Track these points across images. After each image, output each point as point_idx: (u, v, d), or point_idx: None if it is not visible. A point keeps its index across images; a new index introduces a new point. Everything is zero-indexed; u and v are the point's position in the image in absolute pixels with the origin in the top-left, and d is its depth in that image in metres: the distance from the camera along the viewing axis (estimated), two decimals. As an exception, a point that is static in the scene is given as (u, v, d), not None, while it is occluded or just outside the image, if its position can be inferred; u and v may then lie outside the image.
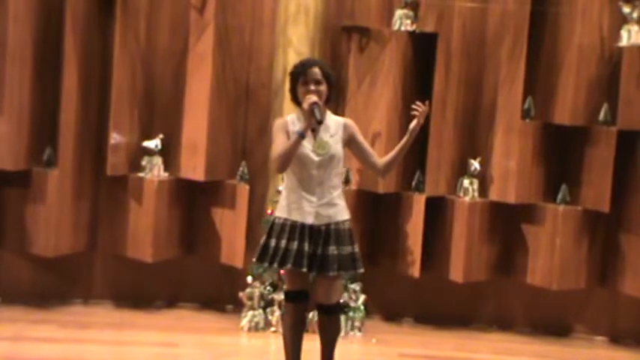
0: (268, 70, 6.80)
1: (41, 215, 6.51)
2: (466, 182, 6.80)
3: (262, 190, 6.80)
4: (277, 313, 6.47)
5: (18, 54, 6.36)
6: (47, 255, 6.56)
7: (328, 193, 4.86)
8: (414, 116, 4.92)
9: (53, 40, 6.48)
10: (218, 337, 6.40)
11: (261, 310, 6.51)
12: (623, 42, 6.61)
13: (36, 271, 6.76)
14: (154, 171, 6.71)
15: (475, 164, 6.77)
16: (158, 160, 6.72)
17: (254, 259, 5.02)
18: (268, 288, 6.54)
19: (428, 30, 6.74)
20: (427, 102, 4.99)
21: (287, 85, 6.44)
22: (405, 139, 4.94)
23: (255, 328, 6.50)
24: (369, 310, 6.76)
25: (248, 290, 6.55)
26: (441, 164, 6.78)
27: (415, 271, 6.76)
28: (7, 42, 6.32)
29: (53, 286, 6.81)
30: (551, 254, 6.67)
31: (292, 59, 6.60)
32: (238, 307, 6.66)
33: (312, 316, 5.97)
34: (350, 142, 4.94)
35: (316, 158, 4.83)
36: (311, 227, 4.82)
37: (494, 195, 6.80)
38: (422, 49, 6.78)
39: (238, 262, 6.69)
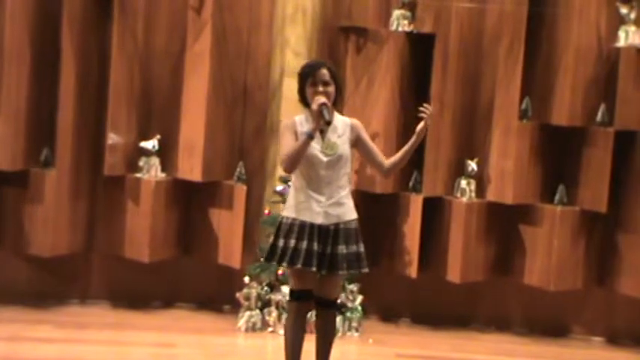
0: (266, 71, 6.81)
1: (38, 215, 6.51)
2: (463, 183, 6.80)
3: (259, 191, 6.80)
4: (274, 313, 6.48)
5: (15, 54, 6.36)
6: (44, 255, 6.56)
7: (336, 193, 4.89)
8: (420, 118, 4.93)
9: (50, 40, 6.48)
10: (215, 337, 6.40)
11: (258, 311, 6.51)
12: (621, 42, 6.62)
13: (33, 271, 6.76)
14: (152, 171, 6.70)
15: (472, 165, 6.77)
16: (155, 161, 6.72)
17: (262, 259, 5.03)
18: (265, 288, 6.54)
19: (425, 30, 6.74)
20: (434, 104, 5.02)
21: (284, 86, 6.47)
22: (412, 140, 4.96)
23: (252, 328, 6.50)
24: (367, 310, 6.76)
25: (245, 291, 6.55)
26: (439, 165, 6.78)
27: (412, 271, 6.76)
28: (5, 42, 6.32)
29: (50, 286, 6.81)
30: (548, 255, 6.67)
31: (290, 60, 6.64)
32: (235, 307, 6.66)
33: (310, 316, 5.96)
34: (357, 142, 4.98)
35: (325, 159, 4.85)
36: (320, 227, 4.85)
37: (491, 195, 6.80)
38: (419, 50, 6.78)
39: (235, 263, 6.69)
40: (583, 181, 6.69)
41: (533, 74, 6.72)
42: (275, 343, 6.28)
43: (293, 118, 4.97)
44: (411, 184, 6.82)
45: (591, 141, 6.64)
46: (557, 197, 6.74)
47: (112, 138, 6.60)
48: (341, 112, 5.11)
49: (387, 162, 5.01)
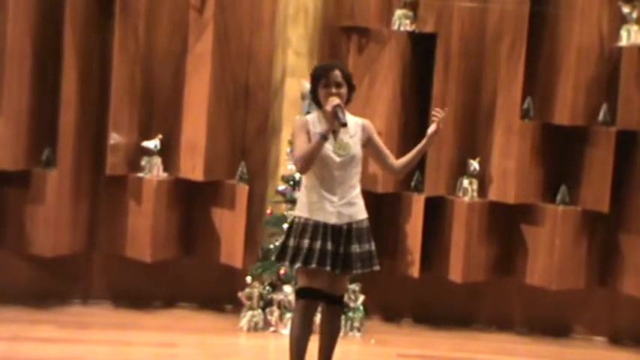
0: (267, 71, 6.81)
1: (40, 215, 6.51)
2: (465, 182, 6.80)
3: (261, 190, 6.80)
4: (276, 313, 6.48)
5: (17, 54, 6.36)
6: (46, 255, 6.56)
7: (348, 193, 4.92)
8: (432, 121, 4.97)
9: (52, 40, 6.48)
10: (217, 337, 6.39)
11: (260, 310, 6.51)
12: (623, 42, 6.61)
13: (35, 271, 6.76)
14: (153, 171, 6.70)
15: (474, 164, 6.77)
16: (157, 160, 6.72)
17: (273, 258, 5.04)
18: (267, 288, 6.53)
19: (427, 30, 6.74)
20: (446, 108, 5.12)
21: (286, 85, 6.48)
22: (423, 142, 5.00)
23: (254, 328, 6.50)
24: (368, 310, 6.75)
25: (247, 290, 6.55)
26: (441, 164, 6.78)
27: (414, 271, 6.76)
28: (7, 42, 6.32)
29: (52, 286, 6.81)
30: (550, 254, 6.67)
31: (291, 59, 6.65)
32: (237, 307, 6.65)
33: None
34: (368, 142, 5.01)
35: (338, 159, 4.87)
36: (333, 227, 4.87)
37: (493, 195, 6.80)
38: (421, 49, 6.78)
39: (237, 262, 6.69)
40: (585, 181, 6.68)
41: (535, 74, 6.72)
42: (277, 342, 6.29)
43: (305, 118, 5.01)
44: (413, 183, 6.82)
45: (593, 141, 6.64)
46: (559, 197, 6.74)
47: (114, 138, 6.60)
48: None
49: (397, 164, 5.07)
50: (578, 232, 6.70)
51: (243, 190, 6.71)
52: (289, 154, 6.53)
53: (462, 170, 6.84)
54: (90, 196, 6.73)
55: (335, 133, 4.87)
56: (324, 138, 4.78)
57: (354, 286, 6.56)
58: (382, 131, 6.65)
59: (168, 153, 6.75)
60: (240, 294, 6.56)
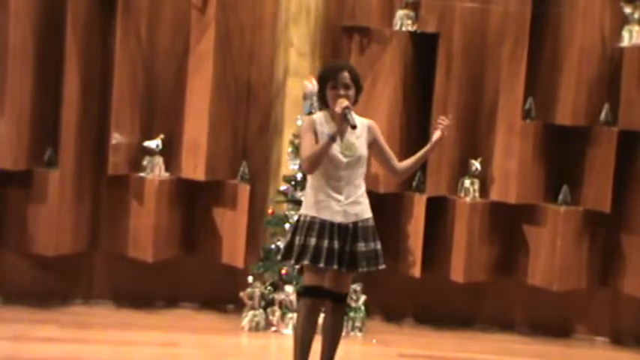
0: (269, 70, 6.81)
1: (42, 215, 6.51)
2: (467, 182, 6.80)
3: (263, 190, 6.80)
4: (278, 313, 6.48)
5: (19, 54, 6.36)
6: (48, 255, 6.56)
7: (354, 192, 4.95)
8: (436, 128, 4.99)
9: (54, 40, 6.48)
10: (218, 337, 6.40)
11: (261, 310, 6.51)
12: (625, 42, 6.61)
13: (37, 270, 6.76)
14: (155, 171, 6.71)
15: (476, 164, 6.77)
16: (159, 160, 6.72)
17: (278, 258, 5.04)
18: (269, 288, 6.54)
19: (429, 30, 6.74)
20: (450, 115, 5.14)
21: (288, 85, 6.49)
22: (426, 148, 5.04)
23: (255, 328, 6.50)
24: (370, 310, 6.76)
25: (249, 290, 6.55)
26: (442, 164, 6.78)
27: (416, 271, 6.76)
28: (9, 42, 6.32)
29: (54, 285, 6.81)
30: (552, 254, 6.67)
31: (293, 59, 6.65)
32: (239, 306, 6.65)
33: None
34: (373, 143, 5.03)
35: (344, 160, 4.90)
36: (339, 225, 4.89)
37: (495, 195, 6.80)
38: (423, 50, 6.78)
39: (239, 262, 6.70)
40: (587, 181, 6.68)
41: (536, 74, 6.72)
42: (279, 342, 6.30)
43: (312, 117, 5.03)
44: (414, 183, 6.82)
45: (595, 141, 6.64)
46: (560, 197, 6.74)
47: (116, 137, 6.60)
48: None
49: (400, 166, 5.10)
50: (580, 232, 6.70)
51: (244, 190, 6.71)
52: (290, 154, 6.53)
53: (463, 170, 6.84)
54: (92, 196, 6.74)
55: (342, 134, 4.88)
56: (332, 139, 4.80)
57: (356, 286, 6.56)
58: (384, 131, 6.65)
59: (170, 153, 6.75)
60: (241, 294, 6.56)
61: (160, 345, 6.12)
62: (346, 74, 4.90)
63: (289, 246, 4.95)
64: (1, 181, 6.53)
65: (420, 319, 7.01)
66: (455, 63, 6.74)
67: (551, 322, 6.99)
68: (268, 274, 6.52)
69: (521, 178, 6.70)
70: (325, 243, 4.85)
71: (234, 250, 6.73)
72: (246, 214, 6.69)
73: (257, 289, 6.53)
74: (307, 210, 4.94)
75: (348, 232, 4.90)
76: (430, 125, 6.57)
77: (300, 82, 6.56)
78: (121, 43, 6.55)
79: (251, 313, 6.52)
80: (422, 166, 6.68)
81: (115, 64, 6.55)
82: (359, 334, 6.57)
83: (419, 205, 6.74)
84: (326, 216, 4.89)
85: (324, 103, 4.98)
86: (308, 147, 4.85)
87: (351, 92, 4.90)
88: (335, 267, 4.86)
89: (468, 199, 6.77)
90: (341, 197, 4.90)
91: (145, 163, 6.72)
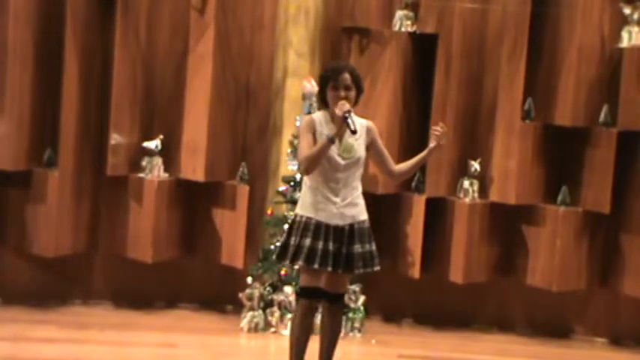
0: (268, 71, 6.81)
1: (41, 215, 6.51)
2: (466, 183, 6.80)
3: (262, 191, 6.81)
4: (277, 313, 6.48)
5: (19, 54, 6.36)
6: (47, 255, 6.56)
7: (350, 194, 4.94)
8: (433, 137, 5.00)
9: (54, 40, 6.48)
10: (218, 337, 6.40)
11: (260, 311, 6.51)
12: (624, 43, 6.61)
13: (36, 271, 6.76)
14: (154, 171, 6.71)
15: (475, 165, 6.77)
16: (158, 161, 6.72)
17: (273, 257, 5.04)
18: (268, 289, 6.54)
19: (428, 31, 6.74)
20: (441, 124, 5.09)
21: (287, 86, 6.49)
22: (422, 154, 5.06)
23: (254, 328, 6.50)
24: (369, 310, 6.76)
25: (248, 291, 6.55)
26: (441, 165, 6.78)
27: (415, 272, 6.76)
28: (8, 42, 6.32)
29: (53, 286, 6.81)
30: (551, 255, 6.67)
31: (292, 60, 6.65)
32: (238, 307, 6.65)
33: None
34: (370, 145, 5.03)
35: (342, 162, 4.90)
36: (335, 227, 4.89)
37: (494, 196, 6.80)
38: (422, 50, 6.78)
39: (238, 263, 6.70)
40: (586, 182, 6.68)
41: (536, 75, 6.72)
42: (278, 343, 6.30)
43: (311, 117, 5.01)
44: (413, 184, 6.82)
45: (594, 141, 6.64)
46: (559, 198, 6.74)
47: (115, 138, 6.60)
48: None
49: (396, 170, 5.10)
50: (579, 232, 6.70)
51: (243, 191, 6.71)
52: (290, 155, 6.53)
53: (462, 171, 6.84)
54: (91, 197, 6.74)
55: (341, 136, 4.87)
56: (331, 141, 4.79)
57: (355, 287, 6.56)
58: (383, 131, 6.66)
59: (169, 153, 6.75)
60: (240, 295, 6.56)
61: (159, 345, 6.12)
62: (347, 75, 4.89)
63: (284, 246, 4.95)
64: (1, 181, 6.53)
65: (420, 320, 7.01)
66: (454, 63, 6.74)
67: (550, 322, 6.99)
68: (267, 275, 6.52)
69: (521, 179, 6.70)
70: (320, 244, 4.85)
71: (233, 250, 6.73)
72: (246, 215, 6.69)
73: (256, 290, 6.53)
74: (303, 210, 4.94)
75: (344, 234, 4.90)
76: (429, 126, 6.57)
77: (299, 82, 6.57)
78: (121, 44, 6.55)
79: (250, 313, 6.52)
80: (421, 166, 6.71)
81: (114, 64, 6.56)
82: (358, 335, 6.57)
83: (418, 206, 6.74)
84: (322, 218, 4.88)
85: (324, 104, 4.98)
86: (306, 148, 4.84)
87: (352, 93, 4.89)
88: (329, 269, 4.85)
89: (467, 199, 6.77)
90: (337, 199, 4.90)
91: (144, 163, 6.72)
